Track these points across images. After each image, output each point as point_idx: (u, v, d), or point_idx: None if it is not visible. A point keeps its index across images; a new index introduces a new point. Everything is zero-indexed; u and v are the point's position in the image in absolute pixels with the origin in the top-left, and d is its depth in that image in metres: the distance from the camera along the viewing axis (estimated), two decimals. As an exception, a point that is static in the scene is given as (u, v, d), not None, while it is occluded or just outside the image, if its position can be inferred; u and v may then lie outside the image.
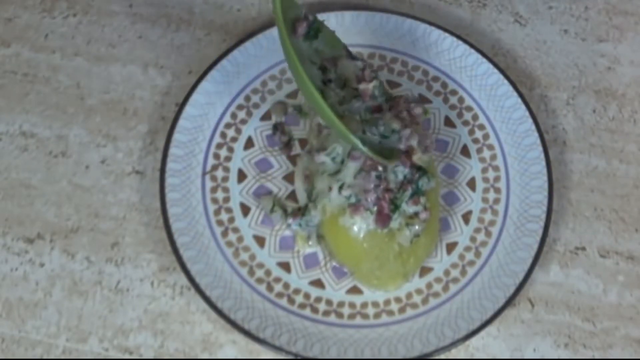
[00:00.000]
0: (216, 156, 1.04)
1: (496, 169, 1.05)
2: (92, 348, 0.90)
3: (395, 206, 0.97)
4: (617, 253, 1.00)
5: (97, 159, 1.02)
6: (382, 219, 0.94)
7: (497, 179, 1.05)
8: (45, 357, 0.89)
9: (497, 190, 1.04)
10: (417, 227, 0.97)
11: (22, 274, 0.93)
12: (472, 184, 1.05)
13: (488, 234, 1.02)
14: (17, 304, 0.92)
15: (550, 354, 0.94)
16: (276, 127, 1.06)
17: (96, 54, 1.09)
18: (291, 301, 0.96)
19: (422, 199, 0.94)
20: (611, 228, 1.02)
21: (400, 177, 0.97)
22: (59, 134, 1.01)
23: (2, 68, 1.06)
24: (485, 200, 1.04)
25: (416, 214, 0.94)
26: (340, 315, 0.96)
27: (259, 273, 0.98)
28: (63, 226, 0.97)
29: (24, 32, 1.09)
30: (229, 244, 0.99)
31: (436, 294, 0.98)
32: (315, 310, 0.96)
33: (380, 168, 0.94)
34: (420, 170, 0.98)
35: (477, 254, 1.01)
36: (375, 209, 0.93)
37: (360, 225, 0.94)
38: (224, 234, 0.99)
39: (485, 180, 1.05)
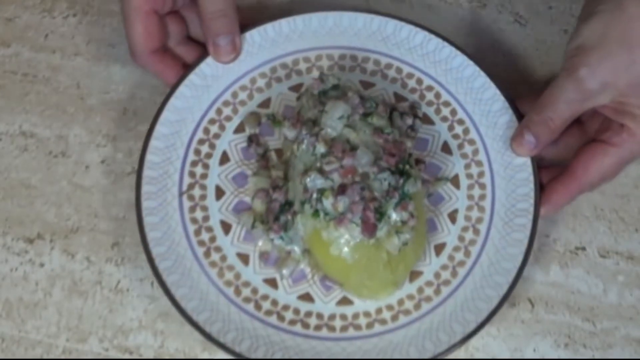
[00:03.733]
0: (192, 174, 1.00)
1: (479, 164, 1.02)
2: (92, 348, 0.91)
3: (380, 214, 0.94)
4: (617, 253, 1.00)
5: (97, 159, 1.02)
6: (369, 229, 0.91)
7: (481, 174, 1.02)
8: (45, 357, 0.90)
9: (482, 186, 1.01)
10: (406, 235, 0.95)
11: (22, 274, 0.94)
12: (455, 182, 1.02)
13: (476, 231, 0.99)
14: (17, 304, 0.92)
15: (550, 354, 0.94)
16: (251, 139, 1.02)
17: (96, 54, 1.09)
18: (281, 318, 0.94)
19: (410, 206, 0.91)
20: (611, 228, 1.02)
21: (385, 185, 0.95)
22: (59, 134, 1.01)
23: (2, 68, 1.06)
24: (470, 197, 1.01)
25: (403, 222, 0.91)
26: (332, 328, 0.93)
27: (246, 292, 0.95)
28: (63, 226, 0.97)
29: (24, 32, 1.09)
30: (213, 264, 0.95)
31: (428, 299, 0.95)
32: (306, 325, 0.94)
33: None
34: (405, 174, 0.96)
35: (467, 253, 0.98)
36: (360, 220, 0.89)
37: (346, 238, 0.91)
38: (207, 254, 0.96)
39: (469, 176, 1.02)
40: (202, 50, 1.01)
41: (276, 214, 0.96)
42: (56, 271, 0.95)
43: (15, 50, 1.08)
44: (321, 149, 0.93)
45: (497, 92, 1.04)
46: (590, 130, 0.97)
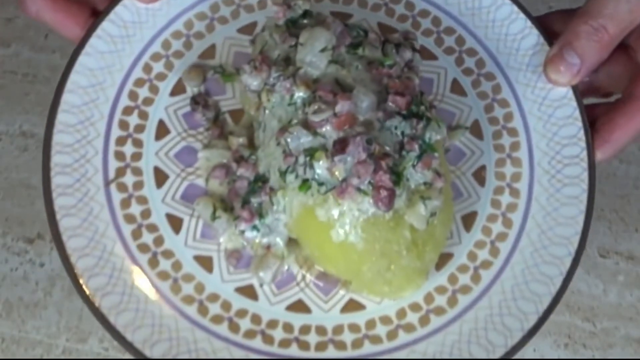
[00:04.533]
0: (119, 156, 0.79)
1: (504, 103, 0.83)
2: (92, 348, 0.90)
3: (397, 176, 0.70)
4: (617, 253, 0.99)
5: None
6: (385, 197, 0.70)
7: (508, 117, 0.83)
8: (45, 357, 0.90)
9: (512, 132, 0.82)
10: (434, 201, 0.71)
11: (22, 274, 0.94)
12: (476, 130, 0.83)
13: (514, 192, 0.80)
14: (17, 304, 0.92)
15: (550, 354, 0.93)
16: (195, 101, 0.82)
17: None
18: (268, 339, 0.74)
19: (435, 161, 0.72)
20: (611, 228, 1.00)
21: (397, 135, 0.72)
22: None
23: (2, 68, 1.04)
24: (499, 148, 0.82)
25: (427, 184, 0.72)
26: (340, 345, 0.74)
27: (214, 309, 0.75)
28: None
29: (24, 32, 1.08)
30: (163, 275, 0.76)
31: (465, 289, 0.76)
32: (304, 345, 0.74)
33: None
34: (422, 117, 0.73)
35: (507, 222, 0.79)
36: (370, 186, 0.70)
37: (352, 215, 0.71)
38: (152, 262, 0.76)
39: (493, 121, 0.83)
40: None
41: (244, 196, 0.78)
42: (56, 271, 0.93)
43: (15, 50, 1.07)
44: (301, 93, 0.73)
45: (515, 8, 0.84)
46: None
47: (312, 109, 0.72)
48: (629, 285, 0.97)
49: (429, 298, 0.77)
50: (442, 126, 0.74)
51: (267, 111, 0.75)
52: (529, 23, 0.84)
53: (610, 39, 0.77)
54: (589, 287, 0.96)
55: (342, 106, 0.71)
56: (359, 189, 0.70)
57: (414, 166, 0.71)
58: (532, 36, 0.83)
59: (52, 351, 0.91)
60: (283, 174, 0.73)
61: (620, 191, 1.02)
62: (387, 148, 0.71)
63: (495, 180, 0.81)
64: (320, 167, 0.71)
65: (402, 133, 0.72)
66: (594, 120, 0.81)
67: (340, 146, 0.70)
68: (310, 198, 0.72)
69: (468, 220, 0.79)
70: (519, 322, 0.74)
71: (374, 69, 0.75)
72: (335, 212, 0.71)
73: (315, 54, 0.74)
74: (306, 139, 0.71)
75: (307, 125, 0.72)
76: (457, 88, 0.84)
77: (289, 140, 0.71)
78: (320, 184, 0.71)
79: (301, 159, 0.71)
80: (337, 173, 0.70)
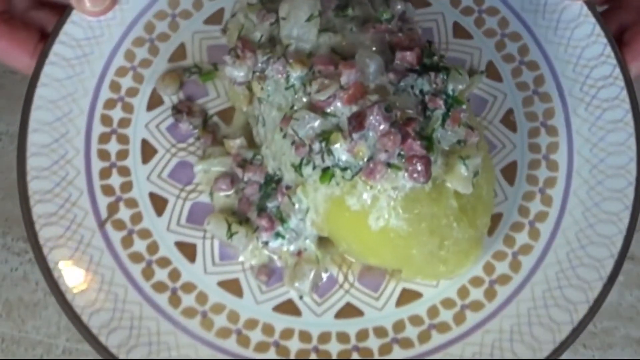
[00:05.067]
0: (107, 190, 0.71)
1: (515, 37, 0.75)
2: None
3: (427, 141, 0.61)
4: None
5: None
6: (421, 166, 0.60)
7: (523, 50, 0.75)
8: (45, 357, 0.90)
9: (532, 66, 0.75)
10: (475, 159, 0.62)
11: (22, 274, 0.93)
12: (493, 73, 0.74)
13: (551, 130, 0.72)
14: (17, 304, 0.92)
15: None
16: (178, 110, 0.73)
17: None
18: (324, 355, 0.67)
19: (463, 114, 0.63)
20: None
21: (416, 94, 0.63)
22: None
23: (2, 68, 1.00)
24: (522, 86, 0.74)
25: (462, 142, 0.63)
26: (324, 354, 0.67)
27: (255, 336, 0.67)
28: None
29: None
30: (189, 312, 0.68)
31: (526, 249, 0.69)
32: (366, 352, 0.66)
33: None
34: (439, 69, 0.64)
35: (552, 165, 0.72)
36: (401, 158, 0.61)
37: (388, 195, 0.62)
38: (174, 301, 0.68)
39: (509, 59, 0.75)
40: (63, 9, 0.74)
41: (258, 203, 0.69)
42: None
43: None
44: (298, 72, 0.64)
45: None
46: None
47: (314, 87, 0.63)
48: (629, 285, 0.94)
49: (488, 268, 0.69)
50: (463, 73, 0.65)
51: (262, 102, 0.66)
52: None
53: None
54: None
55: (347, 76, 0.62)
56: (389, 165, 0.61)
57: (443, 125, 0.62)
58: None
59: (52, 351, 0.91)
60: (297, 167, 0.64)
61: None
62: (410, 111, 0.61)
63: (527, 121, 0.73)
64: (340, 151, 0.62)
65: (421, 91, 0.63)
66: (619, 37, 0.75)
67: (357, 121, 0.61)
68: (336, 188, 0.63)
69: (509, 173, 0.72)
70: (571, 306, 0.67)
71: (371, 27, 0.66)
72: (368, 197, 0.62)
73: (301, 25, 0.66)
74: (316, 123, 0.62)
75: (312, 107, 0.63)
76: (460, 32, 0.77)
77: (296, 128, 0.62)
78: (344, 169, 0.62)
79: (316, 146, 0.62)
80: (360, 152, 0.61)
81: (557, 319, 0.66)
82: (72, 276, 0.67)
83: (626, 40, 0.73)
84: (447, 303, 0.68)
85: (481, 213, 0.65)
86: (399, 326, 0.67)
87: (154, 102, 0.74)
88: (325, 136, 0.62)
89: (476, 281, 0.68)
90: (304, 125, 0.62)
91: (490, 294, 0.68)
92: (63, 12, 0.74)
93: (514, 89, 0.74)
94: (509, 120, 0.73)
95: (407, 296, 0.68)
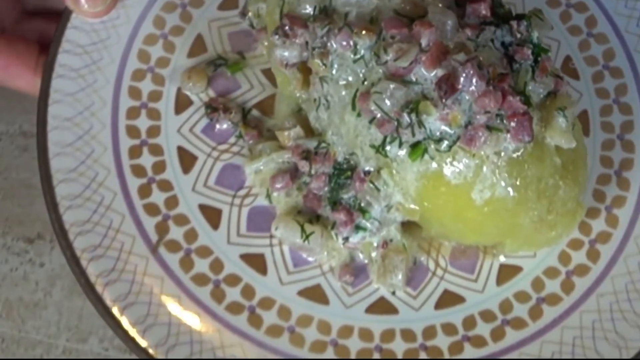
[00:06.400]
0: (152, 210, 0.64)
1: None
2: (92, 348, 0.90)
3: (524, 96, 0.55)
4: None
5: None
6: (524, 123, 0.55)
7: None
8: (45, 357, 0.89)
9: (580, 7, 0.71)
10: (570, 108, 0.58)
11: (22, 274, 0.93)
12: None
13: (615, 71, 0.69)
14: (17, 304, 0.91)
15: None
16: (212, 108, 0.67)
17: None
18: (434, 352, 0.61)
19: (549, 62, 0.58)
20: None
21: (498, 44, 0.57)
22: None
23: None
24: (575, 31, 0.71)
25: (552, 93, 0.58)
26: (434, 352, 0.62)
27: (354, 344, 0.62)
28: None
29: None
30: (274, 330, 0.62)
31: (613, 219, 0.66)
32: (388, 354, 0.61)
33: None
34: (517, 17, 0.59)
35: (624, 109, 0.68)
36: (502, 118, 0.55)
37: (491, 161, 0.56)
38: (254, 320, 0.62)
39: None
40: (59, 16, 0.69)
41: (330, 196, 0.63)
42: (56, 271, 0.92)
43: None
44: (367, 41, 0.58)
45: None
46: None
47: (391, 54, 0.55)
48: None
49: (584, 228, 0.65)
50: (543, 18, 0.59)
51: (326, 82, 0.58)
52: None
53: None
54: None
55: (427, 36, 0.55)
56: (489, 128, 0.55)
57: (533, 78, 0.57)
58: None
59: (52, 351, 0.91)
60: (381, 147, 0.57)
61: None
62: (498, 68, 0.56)
63: (588, 66, 0.69)
64: (432, 120, 0.55)
65: (503, 44, 0.58)
66: None
67: (448, 84, 0.55)
68: (430, 162, 0.57)
69: (582, 122, 0.66)
70: None
71: None
72: (470, 167, 0.56)
73: None
74: (400, 93, 0.55)
75: (392, 76, 0.56)
76: None
77: (379, 102, 0.55)
78: (438, 140, 0.56)
79: (404, 120, 0.55)
80: (456, 119, 0.55)
81: None
82: (136, 313, 0.59)
83: None
84: (551, 272, 0.64)
85: (582, 166, 0.61)
86: (505, 306, 0.63)
87: (182, 103, 0.68)
88: (413, 106, 0.55)
89: (575, 244, 0.64)
90: (390, 97, 0.55)
91: (593, 255, 0.63)
92: (59, 18, 0.66)
93: (566, 34, 0.70)
94: (568, 68, 0.69)
95: (507, 272, 0.64)
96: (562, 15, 0.71)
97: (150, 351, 0.59)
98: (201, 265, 0.62)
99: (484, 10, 0.58)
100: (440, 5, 0.59)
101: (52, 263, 0.93)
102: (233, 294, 0.62)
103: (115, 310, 0.60)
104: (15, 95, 0.88)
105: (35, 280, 0.93)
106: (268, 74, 0.69)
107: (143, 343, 0.59)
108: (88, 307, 0.86)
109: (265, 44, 0.68)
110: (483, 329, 0.62)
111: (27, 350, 0.90)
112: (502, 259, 0.64)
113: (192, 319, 0.60)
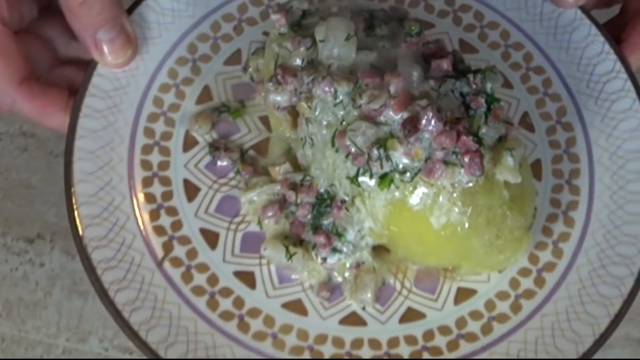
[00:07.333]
0: (159, 231, 0.72)
1: (518, 46, 0.81)
2: (92, 348, 0.90)
3: (476, 137, 0.64)
4: None
5: None
6: (476, 160, 0.64)
7: (528, 57, 0.81)
8: (45, 357, 0.90)
9: (538, 70, 0.80)
10: (519, 149, 0.67)
11: (22, 274, 0.93)
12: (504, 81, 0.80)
13: (566, 126, 0.78)
14: (17, 304, 0.92)
15: None
16: (215, 147, 0.76)
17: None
18: (317, 355, 0.69)
19: (501, 110, 0.67)
20: None
21: (457, 94, 0.67)
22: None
23: None
24: (533, 90, 0.81)
25: (503, 137, 0.67)
26: (435, 350, 0.69)
27: (328, 349, 0.70)
28: (63, 226, 0.91)
29: None
30: (260, 335, 0.70)
31: (558, 252, 0.73)
32: (436, 351, 0.69)
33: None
34: (474, 71, 0.68)
35: (573, 157, 0.77)
36: (455, 156, 0.64)
37: (447, 191, 0.65)
38: (243, 327, 0.70)
39: (515, 67, 0.81)
40: (86, 65, 0.76)
41: (313, 222, 0.72)
42: (56, 271, 0.93)
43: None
44: (345, 88, 0.67)
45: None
46: None
47: (364, 99, 0.65)
48: None
49: (533, 258, 0.74)
50: (496, 71, 0.69)
51: (310, 122, 0.68)
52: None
53: None
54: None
55: (396, 85, 0.65)
56: (446, 163, 0.64)
57: (486, 122, 0.66)
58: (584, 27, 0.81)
59: (52, 351, 0.91)
60: (355, 178, 0.67)
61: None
62: (456, 114, 0.65)
63: (543, 121, 0.78)
64: (397, 155, 0.64)
65: (461, 93, 0.67)
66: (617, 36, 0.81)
67: (412, 125, 0.64)
68: (396, 191, 0.66)
69: (535, 170, 0.75)
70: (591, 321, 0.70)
71: (402, 42, 0.70)
72: (428, 196, 0.65)
73: (341, 45, 0.69)
74: (371, 132, 0.65)
75: (364, 118, 0.66)
76: (466, 47, 0.82)
77: (354, 139, 0.65)
78: (403, 172, 0.65)
79: (374, 154, 0.65)
80: (417, 154, 0.64)
81: (605, 294, 0.70)
82: (141, 315, 0.67)
83: (623, 38, 0.79)
84: (502, 295, 0.71)
85: (528, 201, 0.69)
86: (461, 322, 0.70)
87: (189, 143, 0.76)
88: (381, 143, 0.65)
89: (524, 272, 0.72)
90: (362, 134, 0.65)
91: (539, 282, 0.71)
92: (86, 67, 0.75)
93: (525, 93, 0.79)
94: (526, 122, 0.77)
95: (463, 294, 0.71)
96: (522, 77, 0.79)
97: (153, 347, 0.66)
98: (199, 279, 0.69)
99: (446, 65, 0.67)
100: (408, 60, 0.69)
101: (52, 263, 0.94)
102: (225, 304, 0.69)
103: (124, 312, 0.66)
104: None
105: (35, 280, 0.93)
106: (264, 120, 0.77)
107: (147, 340, 0.67)
108: (88, 307, 0.91)
109: (262, 94, 0.76)
110: (440, 341, 0.68)
111: (27, 350, 0.91)
112: (459, 283, 0.71)
113: (189, 323, 0.67)
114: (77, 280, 0.93)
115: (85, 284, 0.91)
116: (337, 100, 0.67)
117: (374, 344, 0.69)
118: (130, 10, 0.78)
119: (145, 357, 0.73)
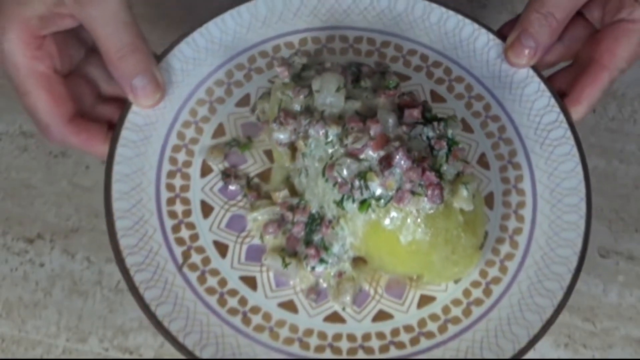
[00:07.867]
0: (180, 241, 0.84)
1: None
2: (92, 348, 0.91)
3: (438, 173, 0.78)
4: (617, 253, 0.99)
5: (97, 159, 0.97)
6: (437, 190, 0.77)
7: (487, 107, 0.93)
8: (45, 357, 0.89)
9: (495, 119, 0.92)
10: (472, 183, 0.79)
11: (22, 274, 0.94)
12: (466, 126, 0.92)
13: (516, 166, 0.90)
14: (17, 304, 0.92)
15: (550, 354, 0.93)
16: (226, 175, 0.88)
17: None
18: (368, 351, 0.80)
19: (460, 152, 0.79)
20: (611, 228, 1.01)
21: (424, 137, 0.80)
22: None
23: (2, 68, 0.92)
24: (490, 135, 0.92)
25: (459, 174, 0.80)
26: (369, 350, 0.80)
27: (314, 341, 0.81)
28: (63, 226, 0.97)
29: None
30: (259, 328, 0.82)
31: (503, 269, 0.85)
32: (337, 350, 0.80)
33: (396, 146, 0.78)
34: (439, 119, 0.81)
35: (520, 192, 0.89)
36: (420, 187, 0.77)
37: (413, 215, 0.77)
38: (245, 320, 0.82)
39: (476, 115, 0.93)
40: (123, 103, 0.87)
41: (305, 238, 0.84)
42: (56, 271, 0.94)
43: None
44: (334, 130, 0.80)
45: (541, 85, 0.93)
46: (593, 17, 0.90)
47: (350, 140, 0.79)
48: (629, 285, 0.98)
49: (483, 273, 0.85)
50: (456, 120, 0.82)
51: (306, 157, 0.81)
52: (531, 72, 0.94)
53: (558, 24, 0.87)
54: (589, 287, 0.97)
55: (375, 129, 0.78)
56: (412, 192, 0.77)
57: (446, 161, 0.79)
58: (533, 84, 0.93)
59: (52, 351, 0.91)
60: (340, 203, 0.79)
61: (620, 191, 1.04)
62: (422, 152, 0.79)
63: (497, 160, 0.90)
64: (374, 185, 0.78)
65: (427, 137, 0.79)
66: (560, 89, 0.93)
67: (386, 162, 0.77)
68: (372, 214, 0.79)
69: (488, 201, 0.87)
70: (536, 315, 0.81)
71: (382, 93, 0.83)
72: (398, 219, 0.78)
73: (332, 95, 0.81)
74: (354, 166, 0.79)
75: (349, 155, 0.79)
76: (436, 97, 0.93)
77: (341, 171, 0.78)
78: (378, 199, 0.78)
79: (356, 184, 0.78)
80: (390, 185, 0.77)
81: (540, 304, 0.81)
82: (165, 309, 0.78)
83: (567, 92, 0.90)
84: (456, 302, 0.82)
85: (479, 225, 0.81)
86: (422, 323, 0.81)
87: (205, 170, 0.87)
88: (362, 175, 0.77)
89: (475, 284, 0.83)
90: (347, 168, 0.77)
91: (487, 292, 0.82)
92: (123, 105, 0.85)
93: (483, 137, 0.91)
94: (483, 161, 0.90)
95: (425, 300, 0.82)
96: (481, 124, 0.91)
97: (174, 334, 0.76)
98: (212, 281, 0.81)
99: (416, 114, 0.78)
100: (386, 108, 0.81)
101: (52, 263, 0.95)
102: (232, 302, 0.80)
103: (152, 307, 0.77)
104: (16, 95, 0.93)
105: (35, 280, 0.94)
106: (267, 153, 0.87)
107: (170, 329, 0.77)
108: (88, 307, 0.92)
109: (267, 132, 0.87)
110: (404, 337, 0.80)
111: (27, 350, 0.90)
112: (422, 290, 0.82)
113: (203, 317, 0.79)
114: (77, 280, 0.94)
115: (85, 284, 0.94)
116: (328, 140, 0.79)
117: (351, 337, 0.80)
118: (159, 59, 0.88)
119: (145, 357, 0.86)
